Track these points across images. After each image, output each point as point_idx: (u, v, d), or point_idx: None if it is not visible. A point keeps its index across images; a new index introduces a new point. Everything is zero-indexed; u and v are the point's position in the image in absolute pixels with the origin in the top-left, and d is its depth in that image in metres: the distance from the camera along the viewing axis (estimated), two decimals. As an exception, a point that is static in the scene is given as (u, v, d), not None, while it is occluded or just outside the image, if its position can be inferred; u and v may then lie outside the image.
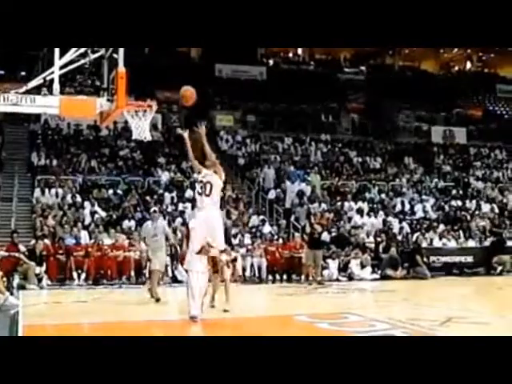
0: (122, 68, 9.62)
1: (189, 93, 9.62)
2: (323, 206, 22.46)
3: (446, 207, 24.45)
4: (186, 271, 9.99)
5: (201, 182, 9.47)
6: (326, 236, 19.36)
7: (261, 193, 23.40)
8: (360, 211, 22.11)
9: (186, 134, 9.73)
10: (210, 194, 9.39)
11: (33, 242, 16.85)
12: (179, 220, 19.51)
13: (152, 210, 14.24)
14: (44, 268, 16.16)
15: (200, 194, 9.44)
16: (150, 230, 12.63)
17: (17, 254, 15.97)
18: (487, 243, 21.62)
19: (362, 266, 18.62)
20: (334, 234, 20.46)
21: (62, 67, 9.81)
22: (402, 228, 21.84)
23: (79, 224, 18.48)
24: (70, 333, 7.94)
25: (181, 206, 20.83)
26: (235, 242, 17.83)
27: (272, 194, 23.25)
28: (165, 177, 22.95)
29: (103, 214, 19.58)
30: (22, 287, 15.09)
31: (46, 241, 16.92)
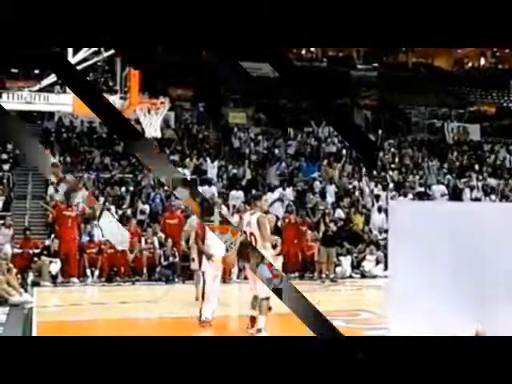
0: (134, 66, 9.62)
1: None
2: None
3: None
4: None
5: None
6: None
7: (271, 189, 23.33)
8: (379, 208, 21.81)
9: None
10: None
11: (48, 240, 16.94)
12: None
13: None
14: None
15: None
16: None
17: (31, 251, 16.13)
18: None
19: (376, 263, 18.52)
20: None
21: (75, 65, 9.83)
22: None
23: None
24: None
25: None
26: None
27: (284, 191, 23.16)
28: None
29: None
30: (36, 284, 15.18)
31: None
